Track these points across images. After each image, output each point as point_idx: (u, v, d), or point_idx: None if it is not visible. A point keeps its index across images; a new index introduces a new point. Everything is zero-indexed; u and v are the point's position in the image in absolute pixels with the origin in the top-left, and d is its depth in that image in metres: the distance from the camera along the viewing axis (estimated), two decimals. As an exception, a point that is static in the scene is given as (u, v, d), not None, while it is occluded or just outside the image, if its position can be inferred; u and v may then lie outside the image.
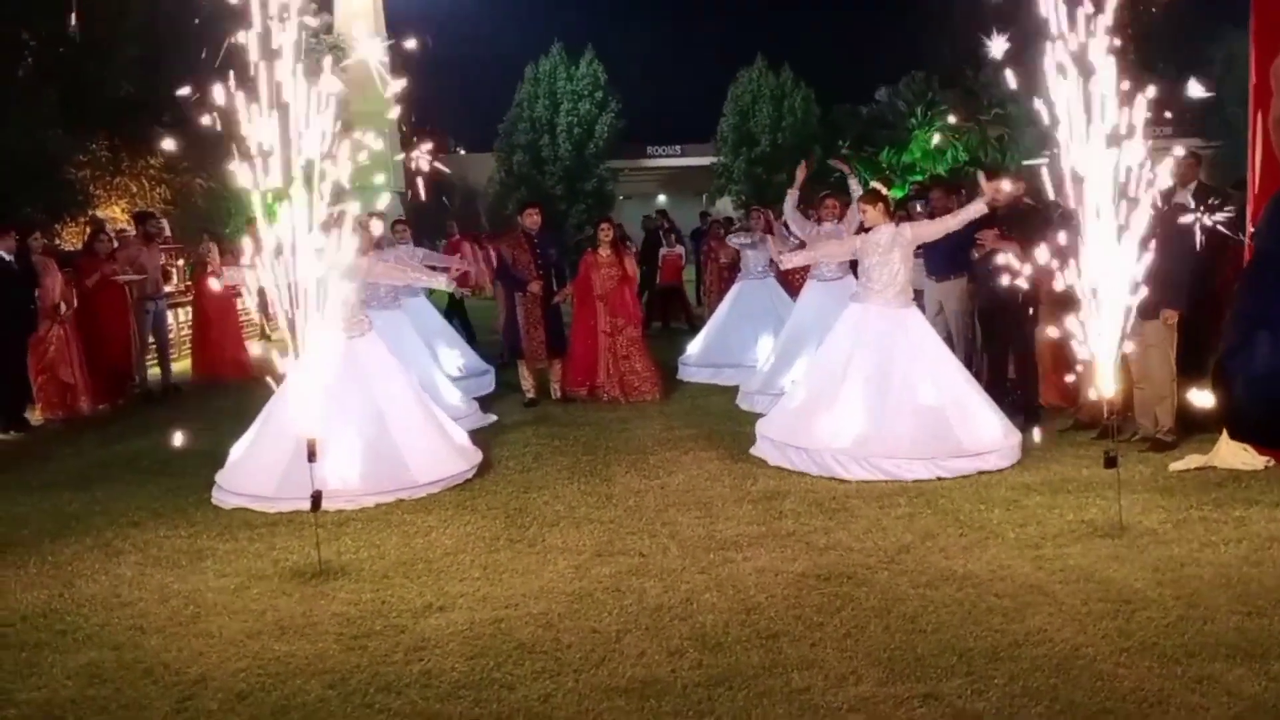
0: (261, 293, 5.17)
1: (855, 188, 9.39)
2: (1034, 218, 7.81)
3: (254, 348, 8.44)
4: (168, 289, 13.02)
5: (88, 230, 13.54)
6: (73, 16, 13.71)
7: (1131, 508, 5.73)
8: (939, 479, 6.55)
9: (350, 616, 4.63)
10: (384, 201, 6.67)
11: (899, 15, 42.16)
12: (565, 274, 10.36)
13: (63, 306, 9.94)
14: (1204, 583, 4.66)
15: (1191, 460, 6.65)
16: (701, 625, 4.40)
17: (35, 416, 9.86)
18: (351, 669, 4.08)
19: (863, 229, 7.59)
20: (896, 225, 7.49)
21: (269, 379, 5.81)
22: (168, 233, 16.22)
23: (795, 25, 59.57)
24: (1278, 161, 5.40)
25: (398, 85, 5.70)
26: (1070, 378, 5.63)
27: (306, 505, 5.43)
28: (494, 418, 9.29)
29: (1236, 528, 5.43)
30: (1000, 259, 7.38)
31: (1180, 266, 6.72)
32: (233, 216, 16.12)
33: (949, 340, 8.78)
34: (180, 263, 16.09)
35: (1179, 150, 6.48)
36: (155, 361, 12.01)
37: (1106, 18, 5.09)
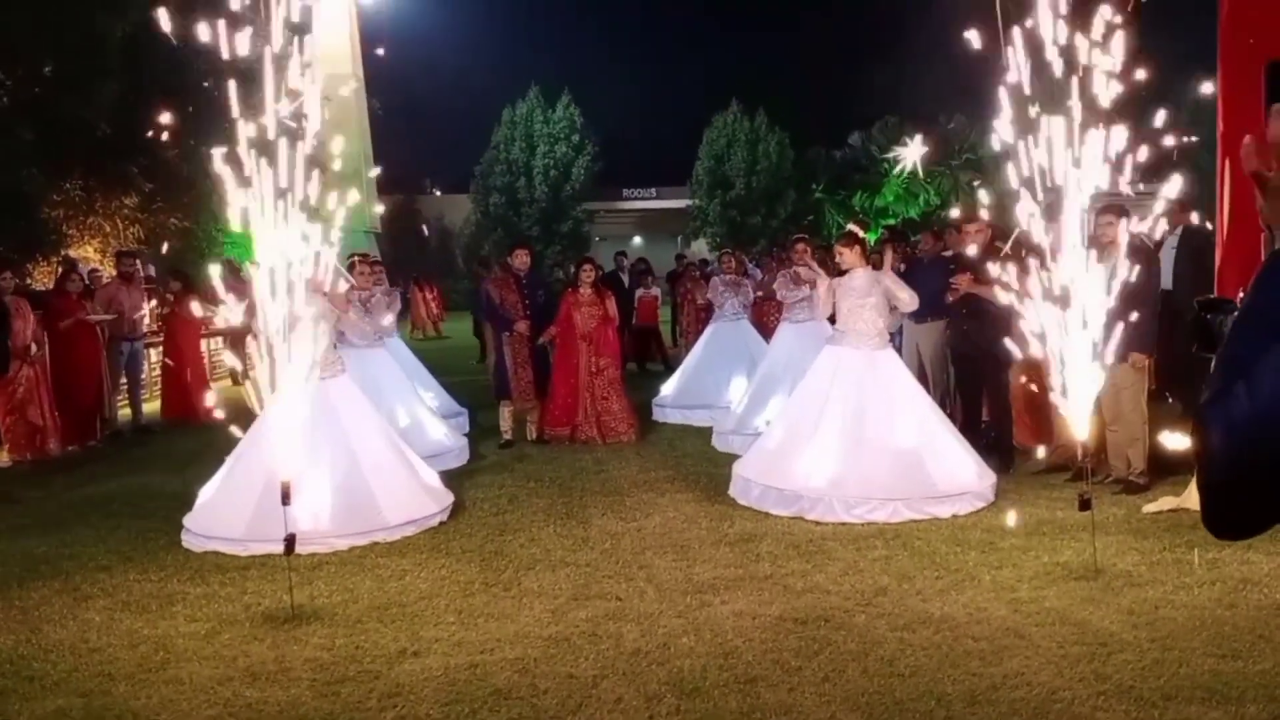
0: (238, 335, 5.17)
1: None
2: (1007, 261, 7.90)
3: (212, 394, 8.30)
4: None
5: (59, 270, 13.44)
6: None
7: (1106, 550, 5.76)
8: (914, 521, 6.57)
9: (323, 662, 4.57)
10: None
11: (873, 61, 42.88)
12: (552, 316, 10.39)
13: (33, 347, 9.84)
14: (1179, 625, 4.68)
15: (1164, 502, 6.70)
16: (679, 670, 4.37)
17: (3, 458, 9.72)
18: (325, 716, 4.01)
19: (840, 272, 7.63)
20: (873, 269, 7.55)
21: (232, 426, 5.76)
22: (151, 271, 16.10)
23: (770, 70, 60.44)
24: (1245, 207, 5.49)
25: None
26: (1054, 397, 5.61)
27: (278, 548, 5.37)
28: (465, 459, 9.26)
29: (1210, 570, 5.46)
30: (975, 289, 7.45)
31: (1148, 311, 6.81)
32: (205, 256, 16.01)
33: (924, 382, 8.84)
34: (153, 303, 15.97)
35: (1169, 194, 6.52)
36: (126, 402, 11.89)
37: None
